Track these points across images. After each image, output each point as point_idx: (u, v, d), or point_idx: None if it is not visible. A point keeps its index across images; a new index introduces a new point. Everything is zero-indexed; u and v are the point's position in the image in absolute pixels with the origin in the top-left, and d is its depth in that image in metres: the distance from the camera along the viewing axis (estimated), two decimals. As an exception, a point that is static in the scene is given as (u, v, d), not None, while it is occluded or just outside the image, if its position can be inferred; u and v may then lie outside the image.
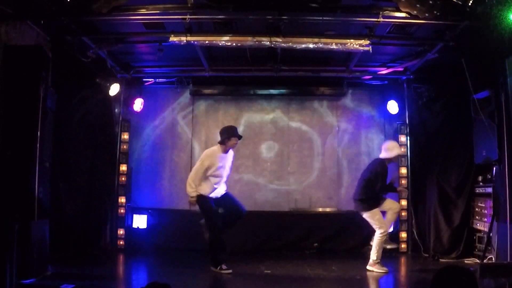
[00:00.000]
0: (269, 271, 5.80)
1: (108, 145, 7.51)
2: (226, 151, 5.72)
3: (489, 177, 6.23)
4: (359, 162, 7.77)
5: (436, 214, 6.89)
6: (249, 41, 5.80)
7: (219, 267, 5.59)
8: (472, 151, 6.45)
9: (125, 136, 7.74)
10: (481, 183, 6.53)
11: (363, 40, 5.80)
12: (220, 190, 5.76)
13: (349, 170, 7.86)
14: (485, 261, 5.82)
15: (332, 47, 5.89)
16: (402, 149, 7.54)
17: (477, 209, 6.55)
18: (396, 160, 5.94)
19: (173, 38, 5.76)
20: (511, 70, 5.18)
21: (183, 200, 6.24)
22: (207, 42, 5.89)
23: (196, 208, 5.75)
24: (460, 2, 4.88)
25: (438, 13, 5.06)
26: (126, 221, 7.51)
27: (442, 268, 2.25)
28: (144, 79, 7.88)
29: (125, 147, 7.71)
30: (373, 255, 5.66)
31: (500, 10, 4.79)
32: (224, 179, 5.80)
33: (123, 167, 7.62)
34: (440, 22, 5.34)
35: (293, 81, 7.86)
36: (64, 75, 6.20)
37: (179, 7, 5.28)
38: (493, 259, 5.64)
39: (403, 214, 7.37)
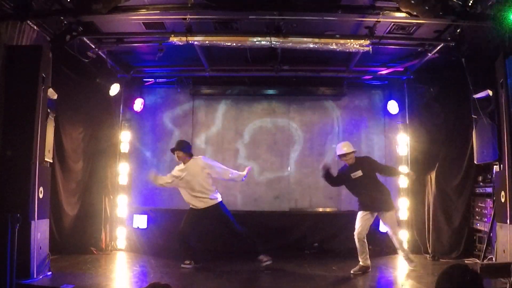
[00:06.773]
0: (269, 271, 5.80)
1: (108, 145, 7.50)
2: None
3: (489, 177, 6.24)
4: (359, 162, 7.78)
5: (436, 214, 6.89)
6: (249, 41, 5.80)
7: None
8: (472, 151, 6.46)
9: (125, 136, 7.75)
10: (481, 183, 6.54)
11: (363, 40, 5.81)
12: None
13: (349, 170, 7.85)
14: (485, 261, 5.82)
15: (332, 47, 5.90)
16: (402, 152, 7.58)
17: (477, 209, 6.55)
18: (349, 161, 5.91)
19: (173, 38, 5.76)
20: (511, 70, 5.18)
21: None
22: (207, 42, 5.89)
23: None
24: (460, 2, 4.87)
25: (438, 13, 5.05)
26: (126, 221, 7.51)
27: (448, 267, 2.22)
28: (144, 79, 7.89)
29: (125, 147, 7.72)
30: None
31: (500, 10, 4.78)
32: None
33: (123, 167, 7.64)
34: (440, 22, 5.35)
35: (293, 81, 7.87)
36: (64, 75, 6.20)
37: (179, 7, 5.27)
38: (493, 259, 5.63)
39: (403, 214, 7.37)
